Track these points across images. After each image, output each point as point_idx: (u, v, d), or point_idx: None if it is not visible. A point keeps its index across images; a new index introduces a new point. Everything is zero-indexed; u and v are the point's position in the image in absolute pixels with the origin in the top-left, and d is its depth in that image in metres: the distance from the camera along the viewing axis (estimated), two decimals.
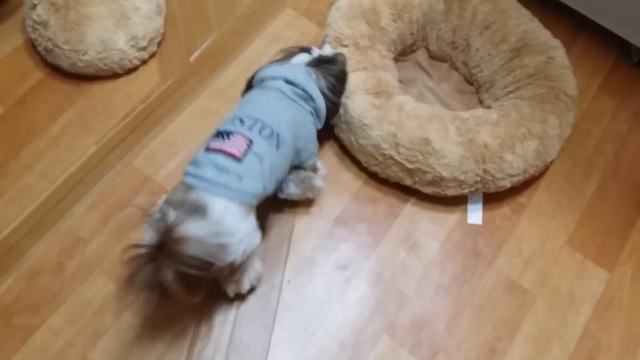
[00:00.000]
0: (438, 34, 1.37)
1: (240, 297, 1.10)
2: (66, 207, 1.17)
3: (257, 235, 1.00)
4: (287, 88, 1.09)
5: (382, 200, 1.23)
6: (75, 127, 1.26)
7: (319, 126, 1.15)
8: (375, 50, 1.27)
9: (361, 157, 1.22)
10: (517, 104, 1.23)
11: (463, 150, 1.15)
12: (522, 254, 1.20)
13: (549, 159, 1.22)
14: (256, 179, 0.97)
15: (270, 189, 1.02)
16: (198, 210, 0.90)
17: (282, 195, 1.15)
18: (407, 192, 1.24)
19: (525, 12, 1.33)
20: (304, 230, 1.19)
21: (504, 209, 1.24)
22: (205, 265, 0.89)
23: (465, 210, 1.23)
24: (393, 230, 1.21)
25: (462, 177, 1.16)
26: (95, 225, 1.16)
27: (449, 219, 1.23)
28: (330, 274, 1.15)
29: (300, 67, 1.13)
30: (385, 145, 1.16)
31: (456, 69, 1.40)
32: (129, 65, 1.29)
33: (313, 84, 1.11)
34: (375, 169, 1.22)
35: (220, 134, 0.99)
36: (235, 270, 1.01)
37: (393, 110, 1.18)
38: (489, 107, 1.30)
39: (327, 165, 1.24)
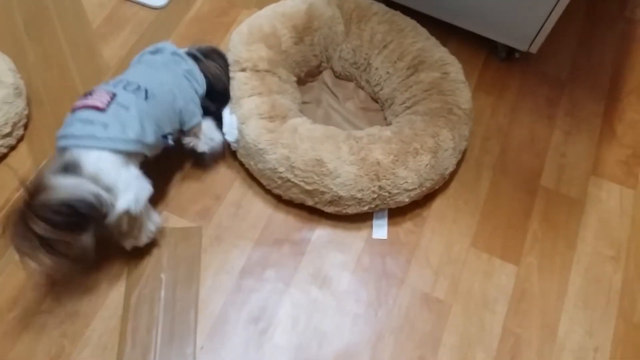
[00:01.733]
0: (340, 54, 1.40)
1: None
2: None
3: (145, 183, 1.03)
4: (155, 57, 1.15)
5: (285, 241, 1.21)
6: None
7: (201, 90, 1.17)
8: (275, 74, 1.28)
9: (263, 181, 1.24)
10: (411, 119, 1.25)
11: (356, 168, 1.15)
12: (431, 265, 1.21)
13: (446, 172, 1.24)
14: (124, 126, 0.98)
15: (148, 139, 1.02)
16: (75, 168, 0.92)
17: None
18: (310, 224, 1.23)
19: (422, 31, 1.36)
20: (209, 290, 1.14)
21: (407, 224, 1.25)
22: (81, 212, 0.89)
23: (369, 233, 1.23)
24: (302, 269, 1.19)
25: (359, 195, 1.16)
26: None
27: (354, 245, 1.22)
28: (244, 329, 1.11)
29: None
30: (281, 169, 1.16)
31: (362, 88, 1.42)
32: None
33: (180, 50, 1.18)
34: (277, 191, 1.22)
35: (85, 95, 1.02)
36: (134, 224, 1.02)
37: (286, 133, 1.18)
38: (390, 124, 1.32)
39: (226, 213, 1.22)
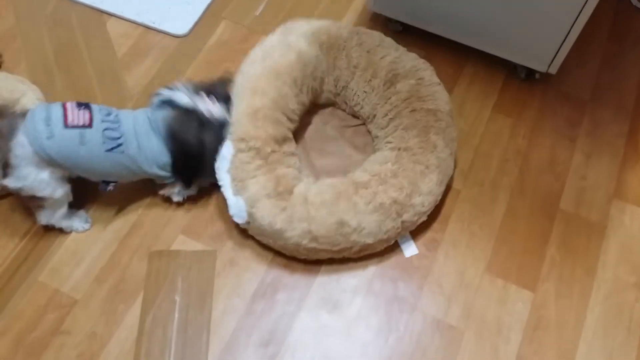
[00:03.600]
0: (325, 87, 1.39)
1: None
2: None
3: (50, 187, 1.13)
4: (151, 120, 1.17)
5: (297, 264, 1.22)
6: None
7: (162, 173, 1.19)
8: (280, 151, 1.21)
9: (287, 252, 1.22)
10: (403, 136, 1.24)
11: (378, 215, 1.14)
12: (443, 291, 1.19)
13: (450, 177, 1.26)
14: (58, 146, 1.09)
15: (65, 167, 1.12)
16: (12, 128, 1.09)
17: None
18: None
19: (389, 43, 1.36)
20: (222, 314, 1.16)
21: (420, 249, 1.24)
22: None
23: (383, 258, 1.23)
24: (313, 293, 1.19)
25: (385, 237, 1.17)
26: (6, 354, 1.12)
27: (366, 269, 1.22)
28: (254, 353, 1.12)
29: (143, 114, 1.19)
30: (304, 241, 1.15)
31: (341, 109, 1.43)
32: None
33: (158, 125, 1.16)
34: (303, 256, 1.21)
35: (79, 103, 1.14)
36: (29, 200, 1.18)
37: (298, 206, 1.14)
38: (376, 137, 1.33)
39: (239, 234, 1.25)
